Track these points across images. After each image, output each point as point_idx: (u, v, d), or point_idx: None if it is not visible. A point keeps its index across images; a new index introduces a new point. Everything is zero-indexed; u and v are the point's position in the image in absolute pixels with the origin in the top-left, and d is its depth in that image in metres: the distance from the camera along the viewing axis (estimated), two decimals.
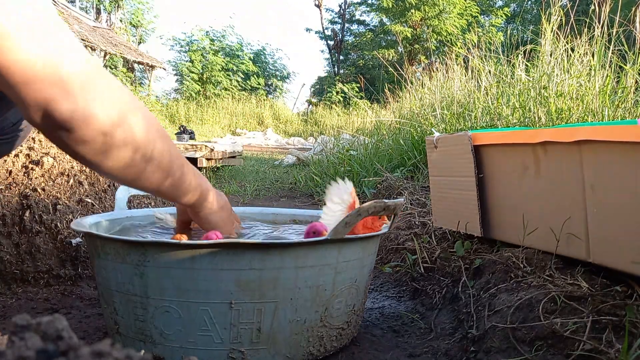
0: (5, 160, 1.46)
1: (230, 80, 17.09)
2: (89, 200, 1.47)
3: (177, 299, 0.79)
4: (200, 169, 3.85)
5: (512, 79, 2.72)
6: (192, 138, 5.12)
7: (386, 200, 0.84)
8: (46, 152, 1.52)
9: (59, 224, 1.35)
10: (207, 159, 3.79)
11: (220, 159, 4.09)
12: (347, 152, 3.46)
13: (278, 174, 4.67)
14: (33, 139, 1.55)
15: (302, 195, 3.45)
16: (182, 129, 5.18)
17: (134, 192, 1.26)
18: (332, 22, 21.53)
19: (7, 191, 1.38)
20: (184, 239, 0.80)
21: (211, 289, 0.78)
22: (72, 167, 1.52)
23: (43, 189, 1.41)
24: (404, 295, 1.27)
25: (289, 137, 12.06)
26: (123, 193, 1.23)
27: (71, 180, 1.48)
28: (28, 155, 1.50)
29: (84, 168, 1.54)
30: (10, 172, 1.44)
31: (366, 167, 3.24)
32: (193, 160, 3.73)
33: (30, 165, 1.47)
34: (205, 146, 3.74)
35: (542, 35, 2.61)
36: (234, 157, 4.54)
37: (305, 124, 14.90)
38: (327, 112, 15.07)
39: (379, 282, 1.43)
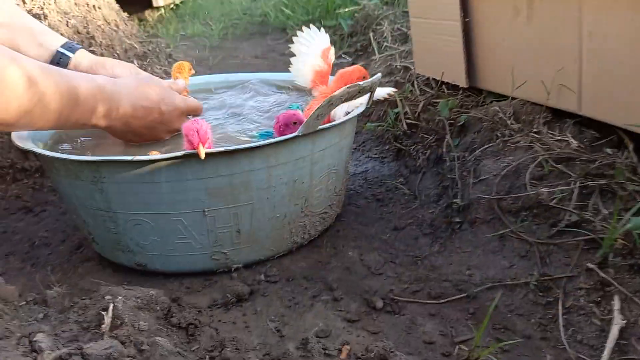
0: None
1: None
2: None
3: (145, 211, 0.74)
4: (157, 8, 3.48)
5: None
6: None
7: (360, 83, 0.74)
8: None
9: None
10: None
11: None
12: None
13: (246, 4, 4.28)
14: None
15: (275, 30, 3.20)
16: None
17: None
18: None
19: None
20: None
21: (179, 199, 0.73)
22: None
23: None
24: (387, 156, 1.24)
25: None
26: None
27: None
28: None
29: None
30: None
31: None
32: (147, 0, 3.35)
33: None
34: None
35: None
36: None
37: None
38: None
39: (361, 139, 1.38)
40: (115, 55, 1.56)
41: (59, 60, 0.94)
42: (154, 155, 0.69)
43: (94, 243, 0.86)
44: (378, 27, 2.40)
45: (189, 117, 0.91)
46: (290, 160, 0.76)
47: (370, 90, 0.79)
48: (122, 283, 0.81)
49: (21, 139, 0.81)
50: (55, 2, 1.49)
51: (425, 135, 1.17)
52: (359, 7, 2.60)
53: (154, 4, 3.41)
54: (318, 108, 0.71)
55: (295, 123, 0.78)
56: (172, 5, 3.71)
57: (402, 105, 1.29)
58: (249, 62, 2.48)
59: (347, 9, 2.66)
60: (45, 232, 0.99)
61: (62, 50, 0.95)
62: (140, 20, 3.48)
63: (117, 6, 1.80)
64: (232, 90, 1.17)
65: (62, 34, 1.44)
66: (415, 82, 1.40)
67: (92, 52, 1.49)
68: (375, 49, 2.23)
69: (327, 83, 1.02)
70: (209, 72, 2.33)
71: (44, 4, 1.44)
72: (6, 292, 0.61)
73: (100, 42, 1.52)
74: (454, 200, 0.91)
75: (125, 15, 1.81)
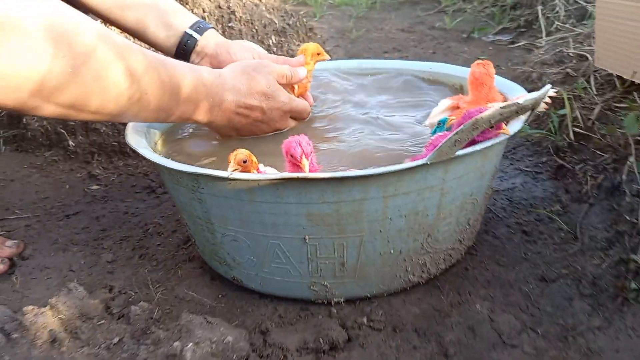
0: None
1: None
2: None
3: (242, 229, 0.66)
4: None
5: None
6: None
7: (520, 101, 0.55)
8: None
9: None
10: None
11: None
12: None
13: None
14: None
15: (427, 0, 2.94)
16: None
17: None
18: None
19: None
20: (238, 158, 0.62)
21: (279, 222, 0.63)
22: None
23: None
24: (542, 172, 1.01)
25: None
26: None
27: None
28: None
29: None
30: None
31: None
32: None
33: None
34: None
35: None
36: None
37: None
38: None
39: (511, 144, 1.16)
40: (254, 30, 1.51)
41: (186, 42, 0.89)
42: (251, 174, 0.59)
43: (196, 246, 0.81)
44: (550, 0, 2.04)
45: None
46: (413, 190, 0.61)
47: (533, 108, 0.59)
48: (217, 296, 0.75)
49: (134, 130, 0.77)
50: None
51: (599, 153, 0.91)
52: None
53: None
54: (457, 132, 0.55)
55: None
56: None
57: (571, 108, 1.03)
58: (394, 36, 2.30)
59: None
60: (160, 219, 0.98)
61: (190, 32, 0.90)
62: None
63: None
64: (363, 79, 1.03)
65: (204, 9, 1.42)
66: (592, 78, 1.12)
67: (232, 28, 1.46)
68: (543, 26, 1.89)
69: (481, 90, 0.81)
70: (350, 46, 2.21)
71: None
72: (89, 307, 0.58)
73: (240, 17, 1.48)
74: (632, 257, 0.68)
75: None
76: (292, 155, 0.58)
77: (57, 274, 0.83)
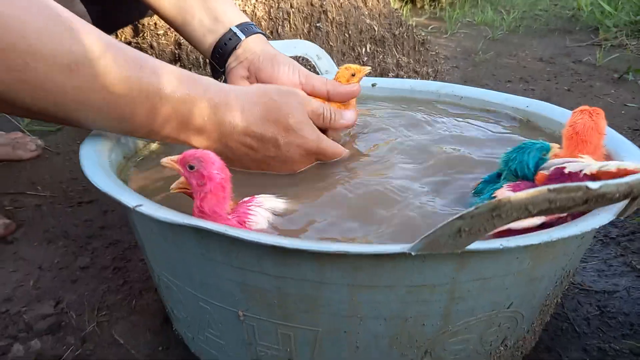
0: None
1: None
2: None
3: (172, 278, 0.49)
4: None
5: None
6: None
7: (592, 185, 0.30)
8: None
9: None
10: None
11: None
12: None
13: None
14: None
15: (582, 30, 2.52)
16: None
17: None
18: None
19: (163, 38, 1.22)
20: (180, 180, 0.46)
21: (209, 282, 0.45)
22: None
23: None
24: None
25: None
26: None
27: None
28: None
29: (245, 8, 1.25)
30: None
31: None
32: None
33: None
34: None
35: None
36: None
37: None
38: None
39: (619, 231, 0.83)
40: (347, 35, 1.34)
41: (227, 40, 0.75)
42: (155, 209, 0.42)
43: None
44: None
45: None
46: (399, 285, 0.39)
47: (630, 196, 0.34)
48: (157, 348, 0.59)
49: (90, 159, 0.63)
50: None
51: None
52: None
53: None
54: (464, 215, 0.32)
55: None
56: None
57: None
58: (527, 65, 1.97)
59: None
60: None
61: (236, 29, 0.75)
62: (432, 1, 3.23)
63: None
64: (409, 109, 0.81)
65: (291, 4, 1.29)
66: None
67: (318, 28, 1.31)
68: None
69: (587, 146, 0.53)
70: (470, 69, 1.93)
71: None
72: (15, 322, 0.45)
73: (333, 18, 1.32)
74: None
75: None
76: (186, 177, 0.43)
77: (25, 269, 0.74)
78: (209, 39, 0.76)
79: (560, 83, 1.75)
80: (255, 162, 0.59)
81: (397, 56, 1.42)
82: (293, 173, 0.61)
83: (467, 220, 0.32)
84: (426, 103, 0.85)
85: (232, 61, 0.75)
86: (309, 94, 0.64)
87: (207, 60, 0.78)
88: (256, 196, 0.48)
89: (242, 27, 0.75)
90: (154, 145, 0.68)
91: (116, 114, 0.52)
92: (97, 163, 0.52)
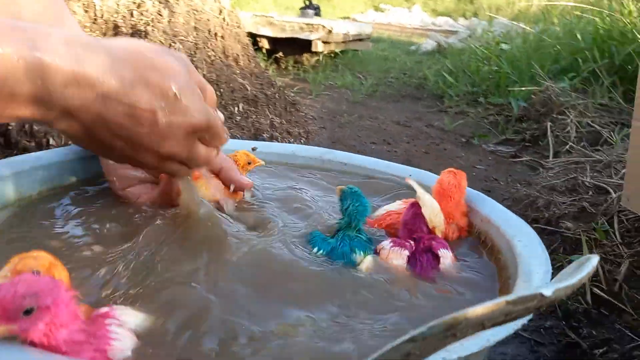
0: None
1: None
2: None
3: None
4: (315, 53, 3.31)
5: None
6: (317, 15, 4.51)
7: (545, 292, 0.27)
8: None
9: (52, 139, 0.98)
10: (324, 42, 3.22)
11: (342, 42, 3.48)
12: (497, 46, 2.65)
13: (409, 64, 3.96)
14: None
15: (430, 97, 2.80)
16: (308, 3, 4.57)
17: None
18: None
19: None
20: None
21: None
22: None
23: None
24: (544, 343, 0.72)
25: (436, 17, 10.77)
26: None
27: None
28: None
29: None
30: None
31: (520, 68, 2.44)
32: (307, 43, 3.19)
33: None
34: (323, 26, 3.15)
35: None
36: (360, 39, 3.90)
37: (458, 2, 13.17)
38: None
39: None
40: (218, 94, 1.28)
41: None
42: None
43: None
44: (560, 117, 1.85)
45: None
46: None
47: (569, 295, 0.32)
48: None
49: None
50: (169, 21, 1.26)
51: (629, 334, 0.63)
52: (538, 88, 2.07)
53: (313, 49, 3.25)
54: (414, 337, 0.26)
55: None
56: (331, 54, 3.53)
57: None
58: (386, 128, 2.09)
59: (522, 88, 2.15)
60: None
61: None
62: (295, 62, 3.35)
63: (247, 40, 1.56)
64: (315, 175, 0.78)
65: None
66: (615, 220, 0.86)
67: None
68: (551, 145, 1.69)
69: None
70: (337, 130, 1.99)
71: (152, 21, 1.21)
72: None
73: (203, 75, 1.25)
74: None
75: (252, 51, 1.56)
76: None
77: None
78: None
79: (417, 146, 1.88)
80: (119, 143, 0.43)
81: (270, 116, 1.40)
82: (170, 166, 0.47)
83: (418, 342, 0.26)
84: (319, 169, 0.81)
85: None
86: None
87: None
88: (113, 307, 0.36)
89: None
90: None
91: None
92: None
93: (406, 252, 0.54)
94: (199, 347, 0.36)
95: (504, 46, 2.61)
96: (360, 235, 0.54)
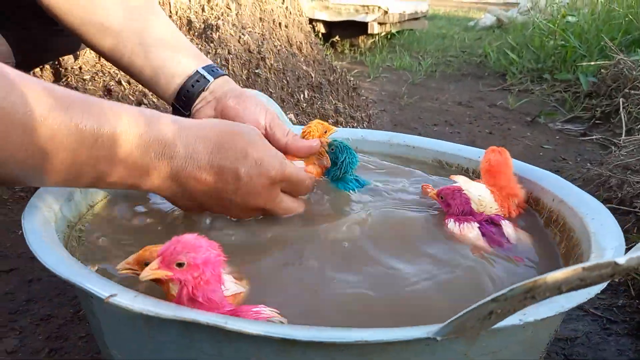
0: None
1: None
2: None
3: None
4: (371, 35, 3.30)
5: None
6: None
7: (619, 260, 0.30)
8: None
9: None
10: (380, 24, 3.20)
11: (398, 22, 3.44)
12: (563, 18, 2.54)
13: (468, 41, 3.87)
14: None
15: (492, 75, 2.73)
16: None
17: None
18: None
19: (90, 83, 1.14)
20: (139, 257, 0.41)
21: None
22: None
23: (129, 82, 1.13)
24: (617, 321, 0.72)
25: None
26: None
27: None
28: None
29: None
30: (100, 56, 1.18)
31: (588, 41, 2.33)
32: (363, 25, 3.18)
33: None
34: (379, 7, 3.13)
35: None
36: (416, 18, 3.84)
37: None
38: None
39: None
40: (285, 81, 1.34)
41: (194, 82, 0.70)
42: (131, 297, 0.36)
43: None
44: (633, 93, 1.77)
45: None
46: None
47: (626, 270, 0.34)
48: None
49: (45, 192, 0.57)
50: (237, 13, 1.32)
51: None
52: (609, 62, 1.98)
53: (369, 31, 3.24)
54: (497, 298, 0.30)
55: None
56: (387, 35, 3.51)
57: None
58: (448, 109, 2.08)
59: (591, 63, 2.06)
60: None
61: (203, 72, 0.70)
62: (352, 45, 3.36)
63: (308, 27, 1.60)
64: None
65: (229, 50, 1.26)
66: None
67: (257, 75, 1.29)
68: (624, 121, 1.62)
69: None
70: (398, 112, 2.00)
71: (222, 15, 1.28)
72: None
73: (271, 65, 1.31)
74: None
75: (314, 38, 1.60)
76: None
77: None
78: (173, 86, 0.71)
79: (481, 126, 1.86)
80: (213, 200, 0.54)
81: (334, 102, 1.44)
82: (255, 215, 0.57)
83: (500, 302, 0.30)
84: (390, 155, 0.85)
85: (198, 103, 0.70)
86: None
87: (171, 105, 0.73)
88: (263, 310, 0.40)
89: (207, 69, 0.71)
90: (97, 208, 0.61)
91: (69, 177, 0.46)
92: (46, 239, 0.45)
93: (476, 225, 0.57)
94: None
95: (570, 18, 2.49)
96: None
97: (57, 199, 0.55)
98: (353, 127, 1.39)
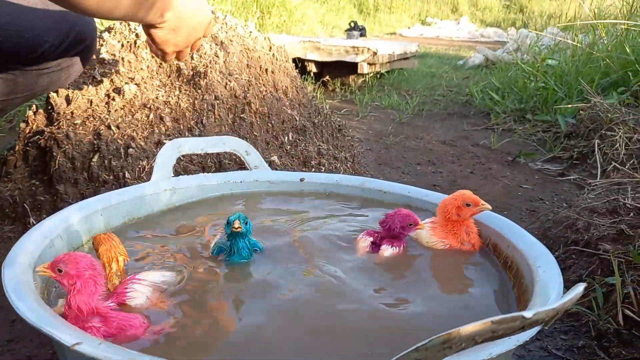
0: (88, 87, 1.25)
1: None
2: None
3: None
4: (362, 74, 3.40)
5: None
6: (362, 35, 4.61)
7: (526, 314, 0.34)
8: (131, 78, 1.28)
9: (127, 173, 1.12)
10: (370, 64, 3.30)
11: (387, 62, 3.56)
12: (543, 62, 2.64)
13: (456, 80, 3.98)
14: (122, 59, 1.32)
15: (477, 115, 2.81)
16: (353, 24, 4.68)
17: (186, 149, 0.93)
18: None
19: (81, 127, 1.19)
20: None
21: None
22: (157, 98, 1.26)
23: (118, 127, 1.18)
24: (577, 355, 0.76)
25: (485, 28, 10.64)
26: (170, 152, 0.92)
27: (152, 115, 1.23)
28: (112, 81, 1.27)
29: (169, 99, 1.26)
30: (92, 101, 1.23)
31: (568, 82, 2.42)
32: (353, 65, 3.29)
33: (112, 94, 1.24)
34: (368, 49, 3.24)
35: None
36: (406, 58, 3.96)
37: (507, 11, 12.94)
38: None
39: None
40: (270, 125, 1.39)
41: None
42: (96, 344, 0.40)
43: None
44: (609, 134, 1.84)
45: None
46: None
47: (545, 323, 0.38)
48: None
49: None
50: (225, 61, 1.39)
51: None
52: (586, 104, 2.06)
53: (359, 71, 3.34)
54: (418, 348, 0.34)
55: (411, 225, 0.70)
56: (377, 74, 3.61)
57: (622, 280, 0.80)
58: (432, 148, 2.14)
59: (570, 105, 2.14)
60: None
61: None
62: (342, 84, 3.46)
63: (294, 72, 1.67)
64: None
65: (216, 96, 1.32)
66: None
67: (243, 119, 1.34)
68: (599, 162, 1.68)
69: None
70: (383, 152, 2.06)
71: (210, 63, 1.34)
72: None
73: (256, 109, 1.37)
74: None
75: (300, 83, 1.67)
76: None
77: None
78: None
79: (463, 165, 1.92)
80: (188, 32, 0.81)
81: (318, 144, 1.49)
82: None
83: (422, 352, 0.34)
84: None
85: None
86: None
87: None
88: (141, 273, 0.55)
89: None
90: None
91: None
92: (24, 286, 0.49)
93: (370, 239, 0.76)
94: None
95: (550, 62, 2.59)
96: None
97: (38, 246, 0.59)
98: (336, 167, 1.44)
